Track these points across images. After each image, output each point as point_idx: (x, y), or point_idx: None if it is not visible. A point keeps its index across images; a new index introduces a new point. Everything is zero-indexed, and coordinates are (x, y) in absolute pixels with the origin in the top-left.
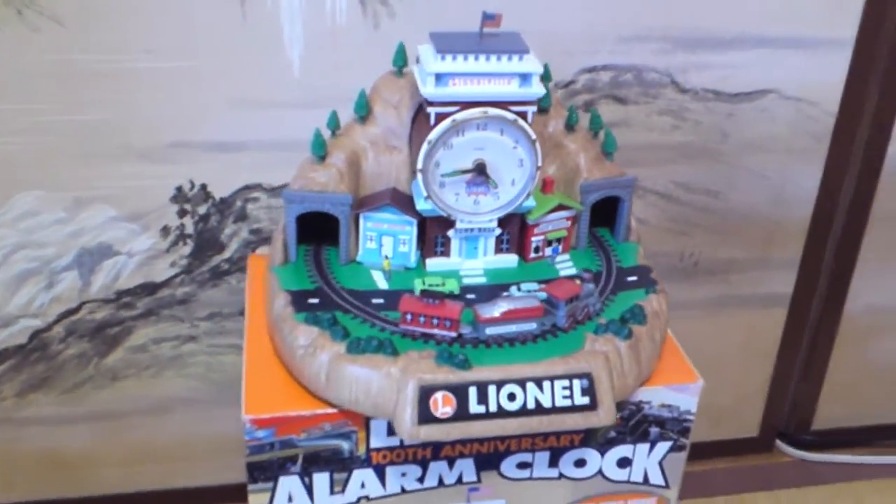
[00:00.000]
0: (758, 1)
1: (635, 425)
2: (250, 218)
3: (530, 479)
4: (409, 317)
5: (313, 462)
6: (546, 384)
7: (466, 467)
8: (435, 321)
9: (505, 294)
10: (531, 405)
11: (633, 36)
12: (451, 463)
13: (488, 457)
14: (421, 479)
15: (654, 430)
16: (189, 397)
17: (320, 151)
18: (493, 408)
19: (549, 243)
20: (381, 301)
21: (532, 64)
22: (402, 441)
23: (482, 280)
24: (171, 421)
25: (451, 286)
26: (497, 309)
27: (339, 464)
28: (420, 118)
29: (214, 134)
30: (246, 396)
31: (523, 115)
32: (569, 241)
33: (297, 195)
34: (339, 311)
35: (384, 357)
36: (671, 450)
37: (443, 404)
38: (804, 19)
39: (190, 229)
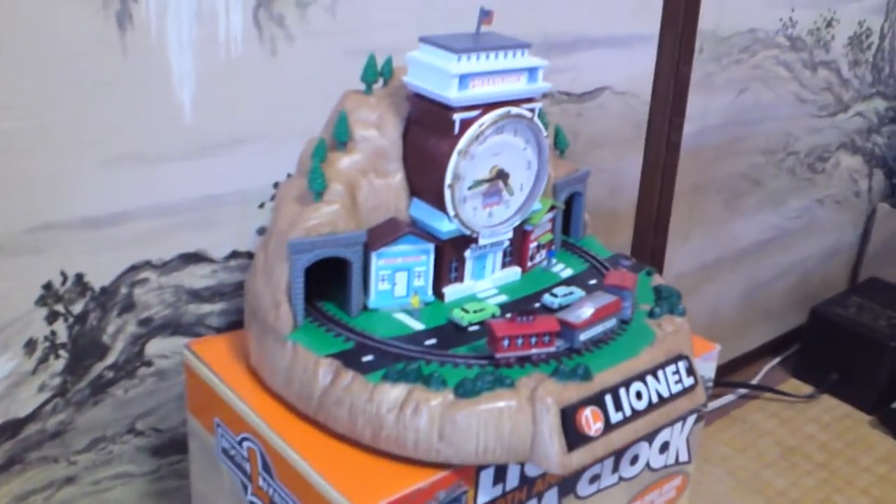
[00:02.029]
0: (586, 4)
1: None
2: (138, 306)
3: (598, 491)
4: (505, 342)
5: None
6: (660, 373)
7: (551, 498)
8: (534, 340)
9: (551, 302)
10: (655, 399)
11: None
12: (539, 498)
13: (568, 481)
14: None
15: None
16: None
17: (320, 187)
18: (627, 412)
19: (539, 249)
20: (434, 341)
21: (535, 59)
22: (504, 489)
23: (503, 298)
24: None
25: (491, 308)
26: (586, 311)
27: None
28: (415, 134)
29: (87, 208)
30: (344, 492)
31: (533, 112)
32: (550, 245)
33: (305, 243)
34: (408, 361)
35: (505, 391)
36: (695, 422)
37: (594, 420)
38: (618, 19)
39: (63, 337)
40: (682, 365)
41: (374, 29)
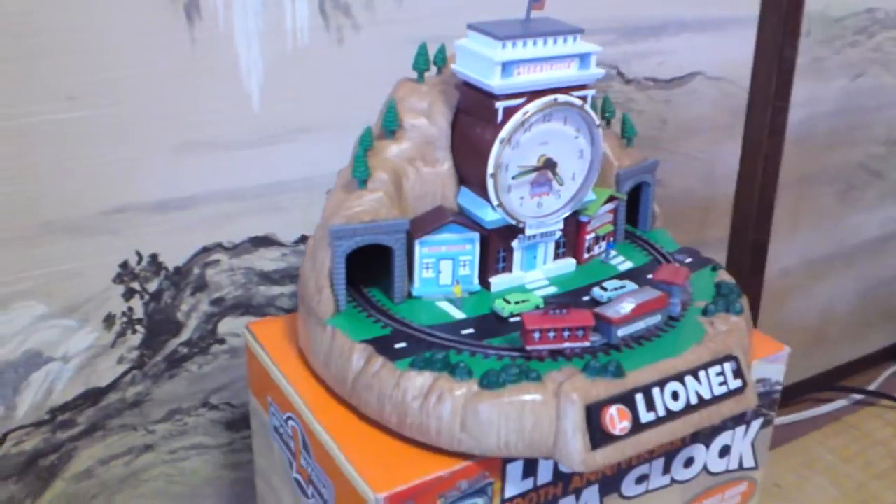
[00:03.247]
0: None
1: None
2: (210, 286)
3: (646, 492)
4: (536, 335)
5: None
6: (702, 374)
7: (591, 496)
8: (566, 333)
9: (600, 295)
10: (694, 400)
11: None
12: (577, 495)
13: (610, 479)
14: None
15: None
16: None
17: (364, 175)
18: (661, 412)
19: (597, 240)
20: (471, 331)
21: (589, 44)
22: (535, 483)
23: (552, 290)
24: None
25: (535, 300)
26: (626, 306)
27: None
28: (463, 122)
29: (160, 191)
30: (364, 475)
31: (584, 100)
32: (612, 236)
33: (345, 230)
34: (439, 349)
35: (530, 384)
36: (762, 426)
37: (619, 419)
38: (711, 1)
39: (139, 313)
40: (728, 366)
41: (439, 16)
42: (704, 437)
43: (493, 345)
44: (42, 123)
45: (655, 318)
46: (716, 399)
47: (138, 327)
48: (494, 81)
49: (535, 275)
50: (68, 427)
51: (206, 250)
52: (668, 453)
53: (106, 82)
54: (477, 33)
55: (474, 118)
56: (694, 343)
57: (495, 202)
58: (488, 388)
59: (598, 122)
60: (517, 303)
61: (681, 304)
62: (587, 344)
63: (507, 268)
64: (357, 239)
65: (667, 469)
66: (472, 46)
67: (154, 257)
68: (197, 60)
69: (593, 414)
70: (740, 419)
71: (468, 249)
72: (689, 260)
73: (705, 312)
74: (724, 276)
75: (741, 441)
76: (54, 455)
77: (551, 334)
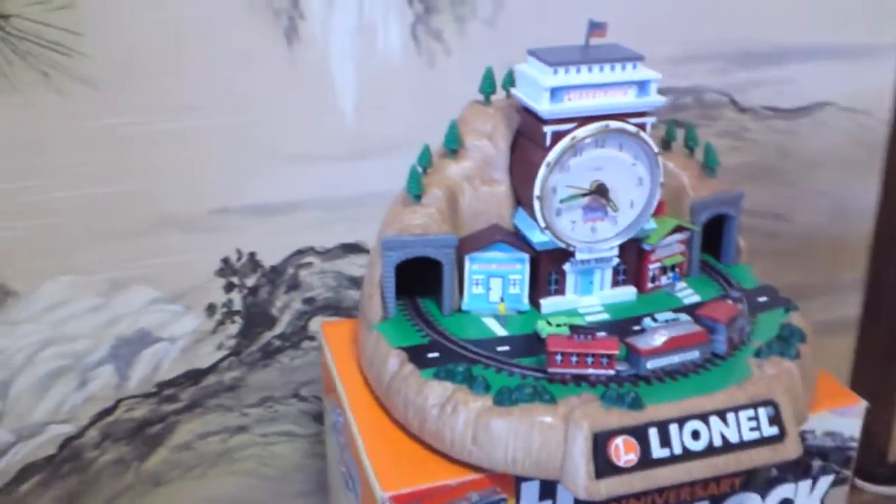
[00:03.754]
0: (802, 10)
1: (797, 459)
2: (303, 286)
3: None
4: (558, 358)
5: None
6: (731, 416)
7: None
8: (590, 360)
9: (649, 326)
10: (717, 442)
11: (687, 56)
12: None
13: None
14: None
15: (816, 462)
16: (240, 496)
17: (417, 190)
18: (677, 450)
19: (664, 271)
20: (506, 348)
21: (648, 71)
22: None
23: (605, 317)
24: None
25: (579, 324)
26: (658, 338)
27: None
28: (520, 145)
29: (261, 196)
30: (377, 474)
31: (642, 128)
32: (684, 268)
33: (396, 241)
34: (466, 362)
35: (542, 405)
36: (833, 484)
37: (625, 451)
38: (849, 27)
39: (238, 305)
40: (764, 411)
41: (532, 42)
42: (758, 486)
43: (521, 363)
44: (160, 132)
45: (692, 354)
46: (745, 444)
47: (236, 318)
48: (543, 106)
49: (590, 300)
50: (172, 401)
51: (300, 252)
52: (714, 497)
53: (216, 96)
54: (534, 59)
55: (529, 141)
56: (733, 384)
57: (542, 224)
58: (500, 405)
59: (656, 149)
60: (558, 325)
61: (728, 341)
62: (612, 372)
63: (560, 290)
64: (407, 250)
65: None
66: (528, 71)
67: (252, 255)
68: (297, 79)
69: (600, 443)
70: (804, 473)
71: (518, 269)
72: (737, 295)
73: (758, 354)
74: (794, 319)
75: (807, 497)
76: (159, 425)
77: (574, 359)
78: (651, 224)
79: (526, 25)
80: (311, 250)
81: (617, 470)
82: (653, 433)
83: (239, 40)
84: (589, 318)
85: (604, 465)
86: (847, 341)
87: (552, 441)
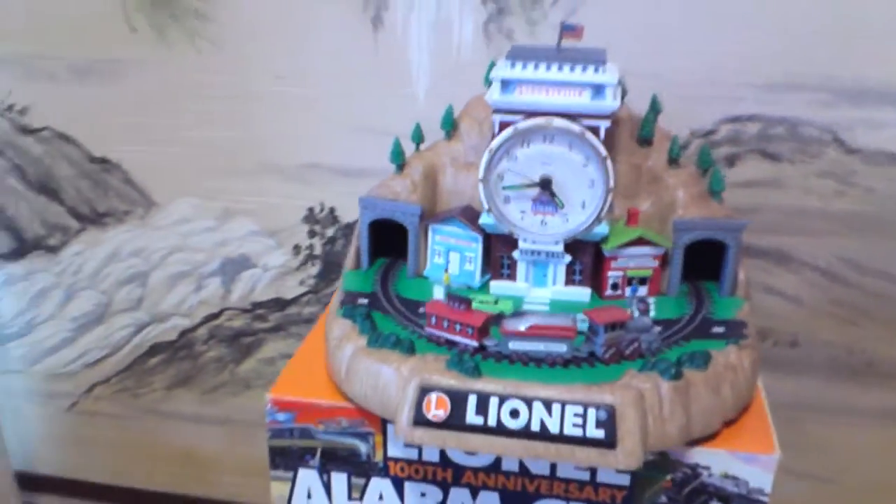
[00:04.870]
0: None
1: (691, 494)
2: None
3: None
4: (433, 319)
5: (331, 459)
6: (555, 407)
7: (492, 503)
8: (458, 327)
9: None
10: (535, 427)
11: (785, 84)
12: (474, 493)
13: (516, 495)
14: None
15: None
16: None
17: (397, 160)
18: (492, 422)
19: (630, 282)
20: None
21: (606, 76)
22: (420, 453)
23: (545, 310)
24: None
25: (504, 307)
26: (524, 323)
27: (357, 466)
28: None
29: (343, 159)
30: (279, 378)
31: (595, 131)
32: (656, 285)
33: (370, 201)
34: (376, 310)
35: (399, 355)
36: None
37: (436, 406)
38: None
39: (318, 250)
40: (594, 413)
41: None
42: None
43: (414, 319)
44: (260, 93)
45: (559, 347)
46: (566, 439)
47: (316, 261)
48: (493, 96)
49: (542, 293)
50: (262, 320)
51: None
52: (592, 502)
53: (302, 69)
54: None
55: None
56: (581, 382)
57: (486, 206)
58: (368, 347)
59: (604, 154)
60: (482, 303)
61: (610, 347)
62: (476, 343)
63: (512, 276)
64: (378, 211)
65: None
66: (496, 64)
67: (332, 210)
68: (378, 61)
69: (422, 395)
70: None
71: (473, 247)
72: (644, 308)
73: (642, 368)
74: (725, 353)
75: None
76: (251, 337)
77: (445, 323)
78: (603, 228)
79: (593, 31)
80: None
81: (429, 422)
82: (471, 399)
83: (329, 23)
84: (529, 307)
85: (419, 415)
86: None
87: (393, 386)
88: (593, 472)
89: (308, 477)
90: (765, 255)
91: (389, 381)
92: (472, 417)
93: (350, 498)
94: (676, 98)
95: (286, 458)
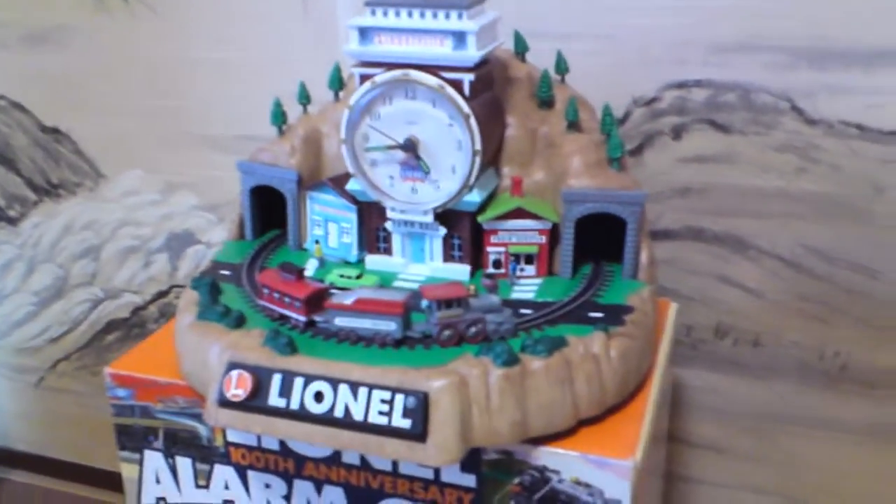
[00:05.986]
0: None
1: (543, 501)
2: None
3: None
4: (265, 291)
5: (174, 442)
6: (362, 391)
7: (337, 498)
8: (287, 300)
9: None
10: (339, 413)
11: (736, 43)
12: (318, 487)
13: (360, 492)
14: (287, 498)
15: None
16: None
17: (276, 121)
18: (294, 405)
19: (518, 259)
20: None
21: (467, 22)
22: (259, 440)
23: (415, 287)
24: None
25: (368, 282)
26: (349, 298)
27: (199, 451)
28: None
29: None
30: (128, 354)
31: (457, 85)
32: (544, 263)
33: (248, 166)
34: (234, 283)
35: (223, 328)
36: None
37: (236, 385)
38: None
39: None
40: (402, 399)
41: None
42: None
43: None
44: (201, 60)
45: (388, 325)
46: (370, 427)
47: None
48: (352, 46)
49: (419, 268)
50: None
51: None
52: None
53: (242, 34)
54: None
55: None
56: (401, 364)
57: (351, 170)
58: (198, 319)
59: (466, 111)
60: (344, 277)
61: (445, 327)
62: (304, 318)
63: (388, 251)
64: (256, 177)
65: None
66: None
67: None
68: (307, 33)
69: (226, 372)
70: None
71: (349, 217)
72: (490, 285)
73: (479, 352)
74: (585, 341)
75: None
76: None
77: (276, 295)
78: (475, 197)
79: None
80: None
81: (230, 403)
82: (276, 379)
83: None
84: (402, 284)
85: (222, 396)
86: None
87: (210, 362)
88: (436, 471)
89: (154, 459)
90: (719, 241)
91: (207, 357)
92: (274, 399)
93: (197, 486)
94: (614, 61)
95: (131, 438)
